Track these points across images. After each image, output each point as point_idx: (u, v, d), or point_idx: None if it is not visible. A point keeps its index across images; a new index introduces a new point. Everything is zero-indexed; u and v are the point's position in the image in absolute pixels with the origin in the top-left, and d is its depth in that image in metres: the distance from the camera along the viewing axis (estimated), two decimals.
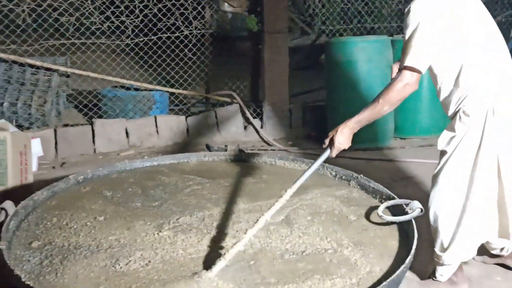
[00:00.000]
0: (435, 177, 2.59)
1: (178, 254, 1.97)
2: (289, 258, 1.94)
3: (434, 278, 2.75)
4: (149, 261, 1.92)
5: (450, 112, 2.54)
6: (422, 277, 2.86)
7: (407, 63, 2.29)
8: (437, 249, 2.66)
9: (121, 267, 1.88)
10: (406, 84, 2.30)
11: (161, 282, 1.77)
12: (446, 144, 2.52)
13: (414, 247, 2.03)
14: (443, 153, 2.55)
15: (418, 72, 2.30)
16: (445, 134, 2.53)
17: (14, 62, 5.27)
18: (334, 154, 2.39)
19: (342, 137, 2.36)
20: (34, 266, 1.89)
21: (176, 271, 1.85)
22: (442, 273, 2.69)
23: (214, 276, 1.77)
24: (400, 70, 2.35)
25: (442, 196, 2.57)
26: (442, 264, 2.66)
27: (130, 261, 1.92)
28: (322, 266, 1.86)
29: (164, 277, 1.80)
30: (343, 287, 1.75)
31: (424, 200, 3.52)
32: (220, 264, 1.85)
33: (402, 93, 2.32)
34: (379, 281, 1.80)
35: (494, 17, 7.40)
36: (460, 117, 2.45)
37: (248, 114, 5.83)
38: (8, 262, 1.86)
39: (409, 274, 2.85)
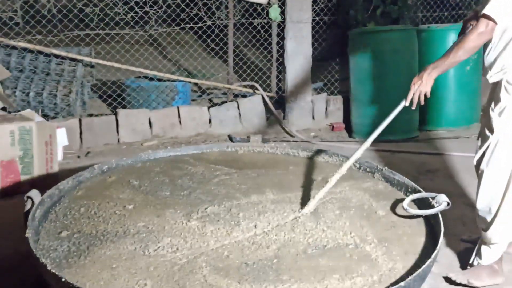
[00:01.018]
0: (485, 156, 2.59)
1: (210, 244, 1.98)
2: (312, 253, 1.92)
3: (475, 263, 2.75)
4: (177, 248, 1.93)
5: (491, 76, 2.56)
6: (463, 267, 2.83)
7: (485, 11, 2.37)
8: (482, 228, 2.67)
9: (150, 252, 1.90)
10: (480, 33, 2.40)
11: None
12: (497, 116, 2.52)
13: (440, 241, 1.99)
14: (489, 130, 2.56)
15: (494, 22, 2.37)
16: (495, 109, 2.53)
17: (40, 52, 5.32)
18: (416, 98, 2.51)
19: (420, 82, 2.48)
20: (61, 253, 1.92)
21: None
22: (486, 255, 2.69)
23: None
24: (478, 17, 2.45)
25: (492, 172, 2.57)
26: (489, 243, 2.65)
27: (159, 247, 1.94)
28: (343, 264, 1.83)
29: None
30: (363, 285, 1.71)
31: (451, 193, 3.48)
32: (311, 205, 2.25)
33: (476, 41, 2.43)
34: (402, 278, 1.76)
35: None
36: (505, 88, 2.49)
37: (270, 105, 5.81)
38: (34, 250, 1.88)
39: (434, 269, 2.81)
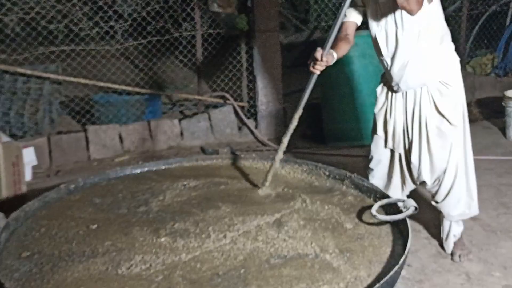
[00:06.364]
0: None
1: (182, 258, 1.95)
2: (275, 263, 1.91)
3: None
4: (150, 265, 1.90)
5: None
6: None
7: None
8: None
9: (123, 271, 1.86)
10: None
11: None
12: None
13: (408, 246, 1.98)
14: None
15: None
16: None
17: (5, 71, 5.24)
18: None
19: None
20: (24, 274, 1.86)
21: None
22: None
23: None
24: None
25: None
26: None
27: (132, 264, 1.89)
28: (305, 273, 1.82)
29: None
30: None
31: (418, 197, 3.50)
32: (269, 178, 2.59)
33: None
34: (369, 286, 1.75)
35: (489, 6, 7.45)
36: None
37: (241, 115, 5.80)
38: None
39: (406, 273, 2.83)
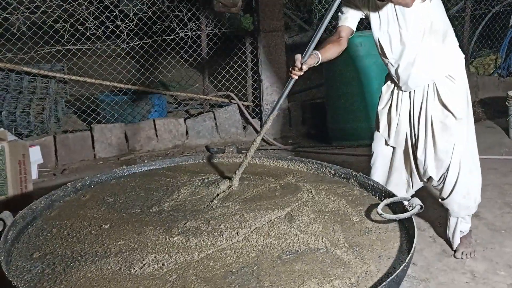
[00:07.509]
0: None
1: (194, 256, 1.96)
2: (286, 258, 1.93)
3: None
4: (163, 264, 1.90)
5: None
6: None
7: None
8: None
9: (136, 270, 1.86)
10: None
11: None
12: None
13: (414, 244, 2.00)
14: None
15: None
16: None
17: (11, 70, 5.26)
18: None
19: None
20: (35, 275, 1.87)
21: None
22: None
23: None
24: None
25: None
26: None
27: (144, 264, 1.90)
28: (317, 268, 1.85)
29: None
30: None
31: (424, 196, 3.51)
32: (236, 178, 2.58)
33: None
34: (379, 280, 1.77)
35: (492, 7, 7.45)
36: None
37: (246, 114, 5.82)
38: (6, 273, 1.84)
39: (411, 271, 2.84)
